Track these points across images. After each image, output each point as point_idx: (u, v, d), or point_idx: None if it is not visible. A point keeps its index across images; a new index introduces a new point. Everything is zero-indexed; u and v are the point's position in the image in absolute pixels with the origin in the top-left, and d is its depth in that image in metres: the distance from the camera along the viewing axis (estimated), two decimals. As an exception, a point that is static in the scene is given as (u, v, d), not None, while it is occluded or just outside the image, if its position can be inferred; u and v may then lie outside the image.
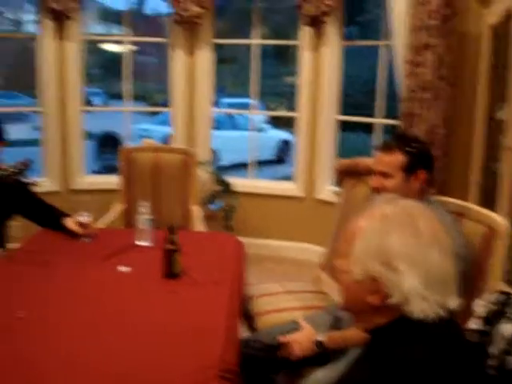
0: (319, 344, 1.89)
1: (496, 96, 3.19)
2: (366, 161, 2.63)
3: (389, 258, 1.07)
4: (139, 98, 5.37)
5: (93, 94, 13.42)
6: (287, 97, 11.87)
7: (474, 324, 1.44)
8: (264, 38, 4.60)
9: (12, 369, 1.51)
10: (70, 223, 2.67)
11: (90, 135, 5.14)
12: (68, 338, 1.70)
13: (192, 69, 4.51)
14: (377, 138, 4.31)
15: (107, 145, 10.33)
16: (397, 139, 2.11)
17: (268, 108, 11.17)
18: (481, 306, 1.46)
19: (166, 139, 7.49)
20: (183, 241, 2.17)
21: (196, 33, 4.42)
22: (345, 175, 2.82)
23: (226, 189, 4.45)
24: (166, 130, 8.58)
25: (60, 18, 4.24)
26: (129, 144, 4.71)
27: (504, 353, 1.33)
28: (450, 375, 1.05)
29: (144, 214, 2.57)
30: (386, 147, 2.01)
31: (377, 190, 1.99)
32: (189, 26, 4.32)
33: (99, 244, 2.60)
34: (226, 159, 9.00)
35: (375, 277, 1.08)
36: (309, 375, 1.92)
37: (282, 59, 14.48)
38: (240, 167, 7.25)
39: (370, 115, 4.47)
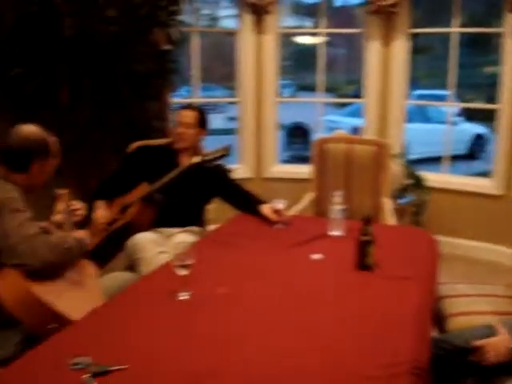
0: (517, 352, 1.77)
1: None
2: None
3: None
4: (328, 89, 5.42)
5: (282, 85, 13.83)
6: (484, 88, 11.08)
7: None
8: (461, 26, 4.34)
9: (218, 337, 1.65)
10: (266, 210, 2.81)
11: (280, 126, 5.33)
12: (263, 319, 1.78)
13: (387, 59, 4.43)
14: None
15: (296, 135, 10.66)
16: None
17: (463, 100, 10.55)
18: None
19: (354, 131, 7.47)
20: (376, 233, 2.16)
21: (392, 22, 4.34)
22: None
23: (418, 183, 4.32)
24: (353, 121, 8.57)
25: (259, 12, 4.46)
26: (319, 135, 4.79)
27: None
28: None
29: (337, 204, 2.60)
30: None
31: None
32: (385, 15, 4.26)
33: (292, 231, 2.70)
34: (416, 152, 8.71)
35: None
36: (501, 384, 1.82)
37: (479, 48, 13.55)
38: (430, 161, 6.97)
39: None
